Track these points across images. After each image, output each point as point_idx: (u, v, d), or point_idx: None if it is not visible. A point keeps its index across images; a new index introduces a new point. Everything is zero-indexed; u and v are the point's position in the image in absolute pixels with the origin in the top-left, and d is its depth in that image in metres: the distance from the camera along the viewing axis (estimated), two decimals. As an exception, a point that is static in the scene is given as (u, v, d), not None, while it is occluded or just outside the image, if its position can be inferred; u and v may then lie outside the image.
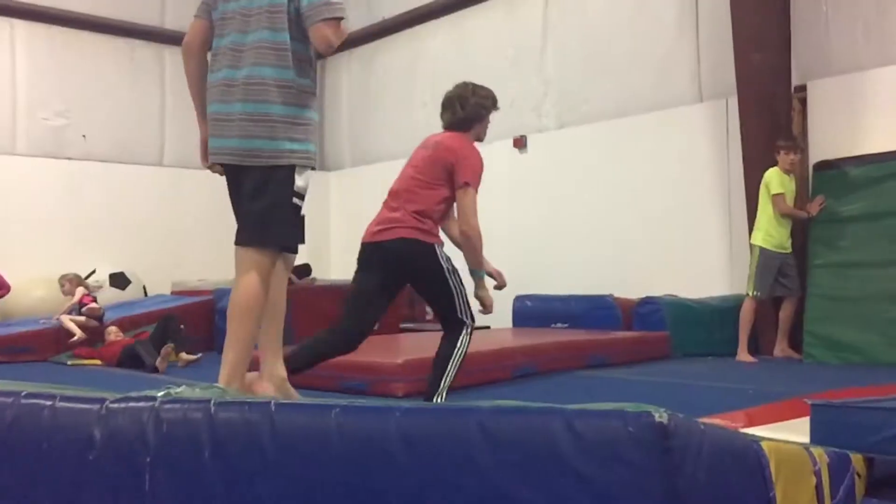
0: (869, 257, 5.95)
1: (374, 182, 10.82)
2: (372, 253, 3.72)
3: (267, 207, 2.88)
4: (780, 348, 6.30)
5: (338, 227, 11.35)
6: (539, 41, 8.94)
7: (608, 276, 7.79)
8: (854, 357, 5.81)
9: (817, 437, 2.42)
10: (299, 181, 2.94)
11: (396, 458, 1.34)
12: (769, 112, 6.47)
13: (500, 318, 7.97)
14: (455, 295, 3.74)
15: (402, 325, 7.94)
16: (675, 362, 6.11)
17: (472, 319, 3.80)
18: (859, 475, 2.19)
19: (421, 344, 6.01)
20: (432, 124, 11.11)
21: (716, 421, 3.16)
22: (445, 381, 3.61)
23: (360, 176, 11.07)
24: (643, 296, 7.00)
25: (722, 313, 6.58)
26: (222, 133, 2.92)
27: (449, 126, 4.06)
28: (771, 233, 6.17)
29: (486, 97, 4.10)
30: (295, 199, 2.94)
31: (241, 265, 2.91)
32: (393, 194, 3.85)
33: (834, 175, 6.25)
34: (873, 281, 5.89)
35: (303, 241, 3.09)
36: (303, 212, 3.03)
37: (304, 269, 8.52)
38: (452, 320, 3.73)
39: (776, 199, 6.10)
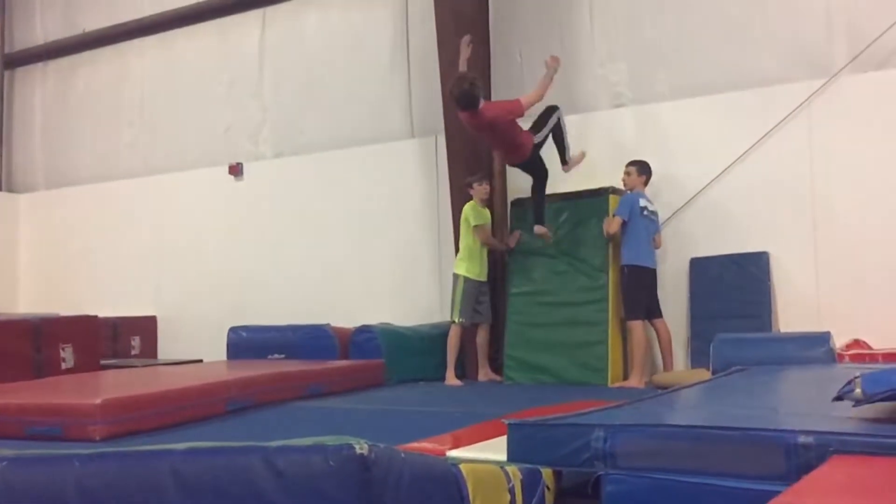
0: (555, 287, 6.56)
1: (74, 206, 10.05)
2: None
3: None
4: (483, 372, 6.71)
5: (28, 256, 10.25)
6: (256, 68, 8.82)
7: (325, 306, 7.83)
8: (547, 378, 6.35)
9: (513, 454, 2.59)
10: None
11: (77, 513, 1.19)
12: (473, 150, 6.93)
13: (214, 350, 7.68)
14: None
15: (104, 362, 7.31)
16: (390, 389, 6.26)
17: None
18: (549, 487, 2.37)
19: (124, 381, 5.57)
20: (139, 145, 10.57)
21: (424, 445, 3.27)
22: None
23: (55, 199, 10.11)
24: (359, 324, 7.10)
25: (432, 340, 6.88)
26: None
27: (472, 108, 6.00)
28: (473, 263, 6.57)
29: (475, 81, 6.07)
30: None
31: None
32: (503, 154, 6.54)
33: (527, 210, 6.82)
34: (559, 308, 6.50)
35: None
36: None
37: (-15, 303, 7.55)
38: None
39: (477, 230, 6.53)
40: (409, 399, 5.64)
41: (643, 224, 6.18)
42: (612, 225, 6.21)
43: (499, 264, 7.09)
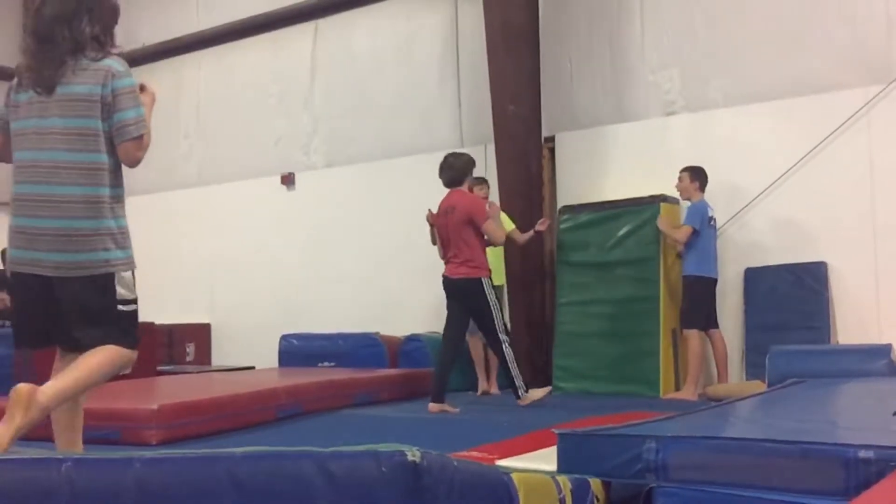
0: (605, 296, 6.50)
1: (131, 216, 10.17)
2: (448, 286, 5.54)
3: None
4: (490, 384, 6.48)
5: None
6: (308, 80, 8.95)
7: (375, 315, 7.88)
8: (597, 388, 6.29)
9: (564, 464, 2.57)
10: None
11: (136, 513, 1.23)
12: (522, 159, 6.93)
13: (266, 357, 7.80)
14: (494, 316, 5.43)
15: (160, 368, 7.48)
16: (438, 398, 6.25)
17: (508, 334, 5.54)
18: (598, 498, 2.35)
19: (179, 387, 5.69)
20: (194, 156, 10.77)
21: (473, 454, 3.27)
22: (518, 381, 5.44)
23: (114, 209, 10.35)
24: (409, 333, 7.14)
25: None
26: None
27: (448, 183, 5.65)
28: None
29: (469, 160, 5.72)
30: None
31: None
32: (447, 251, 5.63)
33: (576, 218, 6.78)
34: (609, 318, 6.44)
35: None
36: None
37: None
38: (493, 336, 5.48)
39: None
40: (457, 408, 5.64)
41: (709, 233, 6.09)
42: (681, 233, 6.09)
43: (547, 272, 7.08)
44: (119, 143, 2.83)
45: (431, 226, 5.90)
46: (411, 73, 8.25)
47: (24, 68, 2.84)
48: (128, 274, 2.83)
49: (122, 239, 2.84)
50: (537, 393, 5.55)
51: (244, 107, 9.40)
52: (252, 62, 9.39)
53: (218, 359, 9.15)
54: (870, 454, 2.11)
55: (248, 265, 9.03)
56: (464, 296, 5.47)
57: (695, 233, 6.01)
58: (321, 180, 8.74)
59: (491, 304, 5.41)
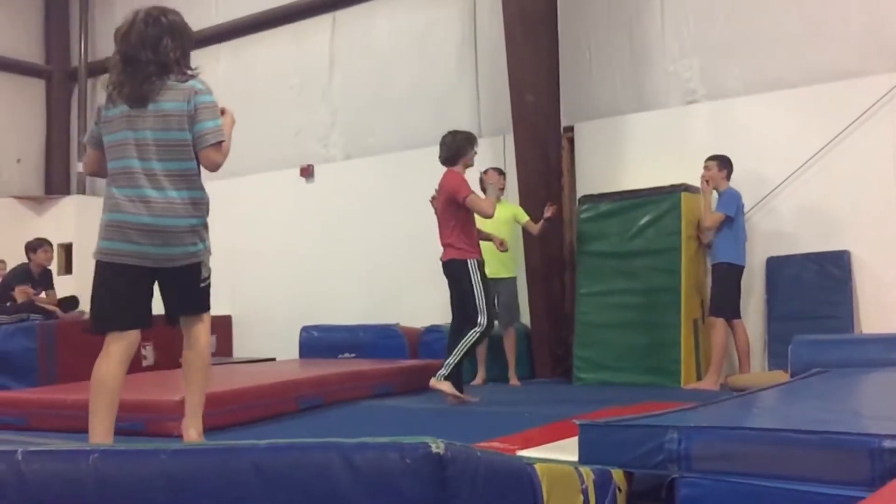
0: (625, 287, 6.46)
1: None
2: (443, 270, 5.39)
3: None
4: (509, 375, 6.49)
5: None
6: (326, 72, 8.96)
7: (394, 306, 7.89)
8: (617, 379, 6.27)
9: (585, 455, 2.57)
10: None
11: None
12: (541, 149, 6.90)
13: (287, 349, 7.84)
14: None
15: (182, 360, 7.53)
16: (459, 388, 6.26)
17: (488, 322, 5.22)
18: (620, 489, 2.35)
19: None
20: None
21: (494, 445, 3.27)
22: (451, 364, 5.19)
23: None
24: (428, 324, 7.15)
25: (500, 341, 6.85)
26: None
27: (444, 162, 5.41)
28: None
29: (465, 138, 5.42)
30: None
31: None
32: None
33: (596, 208, 6.74)
34: (630, 308, 6.41)
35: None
36: None
37: (71, 302, 7.87)
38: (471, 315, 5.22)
39: None
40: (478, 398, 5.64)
41: (741, 221, 6.05)
42: (711, 220, 6.03)
43: (567, 262, 7.06)
44: (200, 149, 3.25)
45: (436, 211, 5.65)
46: (429, 63, 8.24)
47: (113, 84, 3.24)
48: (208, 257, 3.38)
49: (205, 233, 3.35)
50: (451, 389, 5.18)
51: (263, 99, 9.43)
52: (270, 55, 9.41)
53: (239, 351, 9.22)
54: (895, 444, 2.09)
55: (269, 257, 9.07)
56: (451, 278, 5.33)
57: (728, 220, 5.96)
58: (340, 172, 8.75)
59: (474, 285, 5.16)
